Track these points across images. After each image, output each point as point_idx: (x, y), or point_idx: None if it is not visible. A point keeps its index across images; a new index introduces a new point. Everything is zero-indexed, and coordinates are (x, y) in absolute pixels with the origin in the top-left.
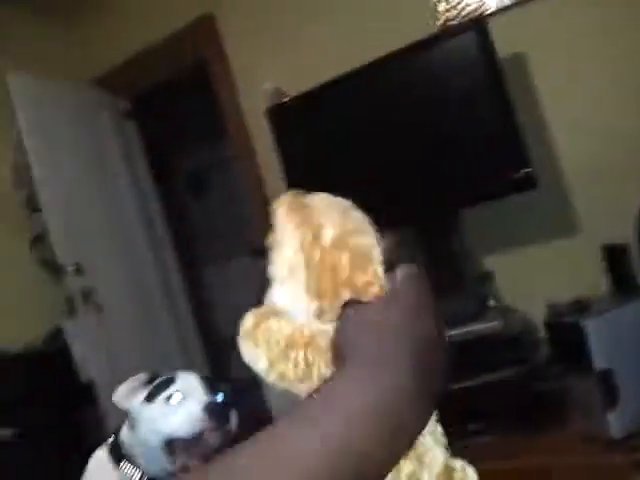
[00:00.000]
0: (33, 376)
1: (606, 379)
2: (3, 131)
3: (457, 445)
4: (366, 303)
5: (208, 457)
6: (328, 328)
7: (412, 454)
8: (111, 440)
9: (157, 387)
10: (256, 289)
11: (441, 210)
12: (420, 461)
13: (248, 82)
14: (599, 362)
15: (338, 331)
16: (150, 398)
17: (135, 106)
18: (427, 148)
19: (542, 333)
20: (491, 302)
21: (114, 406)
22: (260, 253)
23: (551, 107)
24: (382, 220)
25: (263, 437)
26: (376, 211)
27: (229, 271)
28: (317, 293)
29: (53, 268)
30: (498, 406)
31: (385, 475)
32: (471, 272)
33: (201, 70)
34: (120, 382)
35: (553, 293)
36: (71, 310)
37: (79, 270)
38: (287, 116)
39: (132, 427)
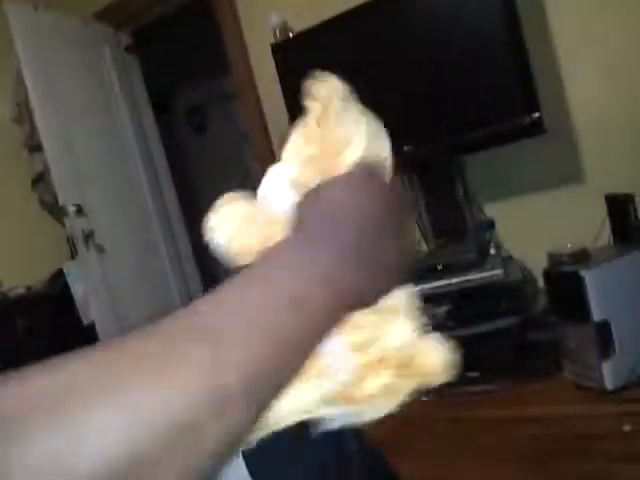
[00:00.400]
0: (35, 318)
1: (602, 330)
2: (3, 64)
3: (453, 392)
4: (328, 181)
5: None
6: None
7: (366, 321)
8: None
9: None
10: None
11: (445, 155)
12: (375, 329)
13: (252, 15)
14: (597, 313)
15: (296, 206)
16: None
17: (136, 40)
18: (433, 90)
19: (542, 283)
20: (492, 250)
21: None
22: None
23: (565, 53)
24: None
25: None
26: None
27: None
28: (303, 161)
29: (54, 209)
30: (494, 355)
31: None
32: (473, 220)
33: (204, 2)
34: (121, 324)
35: (555, 243)
36: (72, 252)
37: (80, 211)
38: (292, 52)
39: None
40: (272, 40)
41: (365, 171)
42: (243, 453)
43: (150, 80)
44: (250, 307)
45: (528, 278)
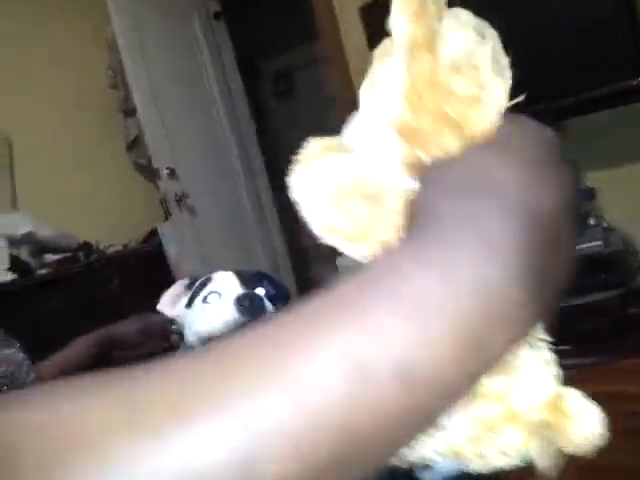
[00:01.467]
0: (130, 275)
1: None
2: (98, 30)
3: None
4: (464, 153)
5: None
6: (406, 187)
7: (504, 368)
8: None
9: (195, 290)
10: None
11: (546, 119)
12: (510, 377)
13: None
14: None
15: (419, 190)
16: (190, 303)
17: (225, 7)
18: (533, 49)
19: None
20: (592, 221)
21: None
22: None
23: None
24: None
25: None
26: None
27: None
28: (409, 126)
29: (148, 172)
30: (591, 329)
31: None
32: None
33: None
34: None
35: None
36: (166, 213)
37: (172, 174)
38: (381, 15)
39: (182, 331)
40: (360, 4)
41: (531, 132)
42: None
43: (238, 46)
44: None
45: (630, 250)
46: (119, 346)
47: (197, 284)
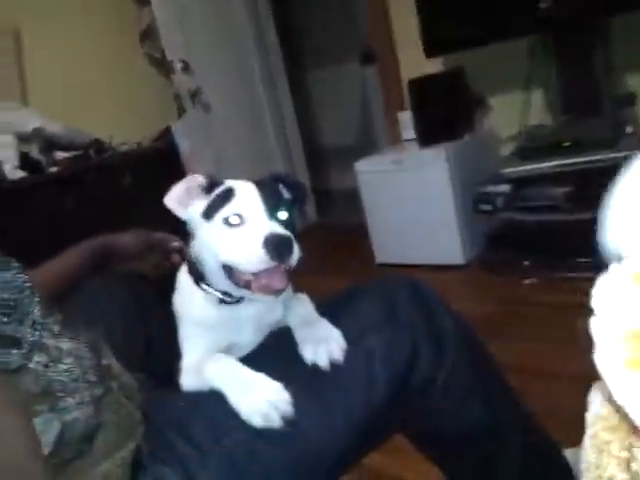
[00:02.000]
0: (142, 173)
1: None
2: None
3: (562, 277)
4: None
5: (265, 287)
6: None
7: None
8: (187, 258)
9: (215, 202)
10: (362, 99)
11: (587, 15)
12: None
13: None
14: None
15: None
16: (207, 215)
17: None
18: None
19: None
20: (629, 129)
21: None
22: (370, 59)
23: None
24: (515, 26)
25: None
26: (510, 13)
27: (336, 76)
28: None
29: (162, 65)
30: None
31: None
32: (611, 93)
33: None
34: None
35: None
36: (179, 110)
37: (187, 68)
38: None
39: (193, 237)
40: None
41: None
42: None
43: None
44: None
45: None
46: (117, 257)
47: (217, 193)
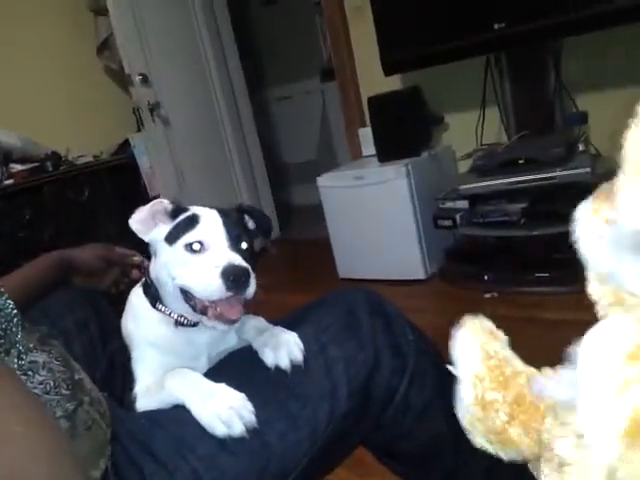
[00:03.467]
0: (101, 186)
1: None
2: None
3: (520, 291)
4: None
5: (220, 316)
6: None
7: None
8: (143, 280)
9: (178, 227)
10: (323, 116)
11: (540, 36)
12: None
13: None
14: None
15: None
16: (170, 240)
17: None
18: None
19: None
20: (581, 147)
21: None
22: (331, 76)
23: None
24: (470, 46)
25: None
26: (465, 33)
27: (297, 93)
28: None
29: (120, 78)
30: (569, 258)
31: None
32: (563, 111)
33: None
34: (184, 196)
35: None
36: (138, 123)
37: (146, 81)
38: None
39: (154, 259)
40: None
41: None
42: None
43: None
44: None
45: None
46: (75, 273)
47: (181, 219)
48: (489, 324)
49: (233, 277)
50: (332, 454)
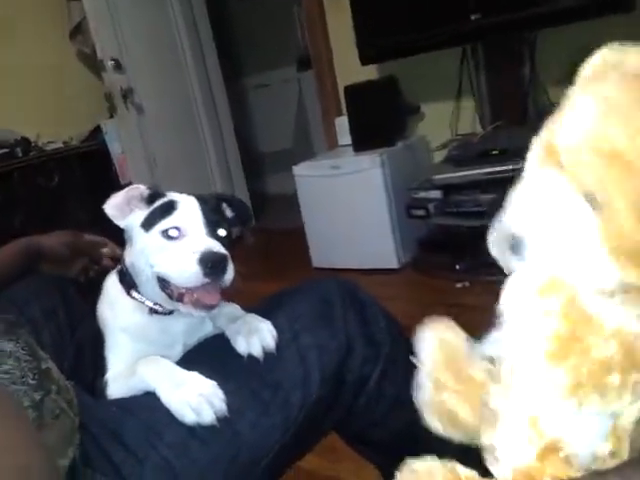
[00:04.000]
0: (71, 173)
1: None
2: None
3: (489, 280)
4: None
5: (197, 302)
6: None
7: None
8: (119, 267)
9: (155, 213)
10: (299, 104)
11: (516, 27)
12: None
13: None
14: None
15: None
16: (146, 225)
17: None
18: None
19: None
20: None
21: None
22: (308, 64)
23: None
24: (447, 37)
25: None
26: (442, 24)
27: (273, 81)
28: (622, 250)
29: (93, 62)
30: None
31: None
32: (537, 104)
33: None
34: (157, 184)
35: None
36: (110, 110)
37: (119, 67)
38: None
39: (129, 245)
40: None
41: None
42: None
43: None
44: None
45: None
46: (44, 260)
47: (157, 205)
48: (448, 320)
49: (211, 264)
50: (304, 441)
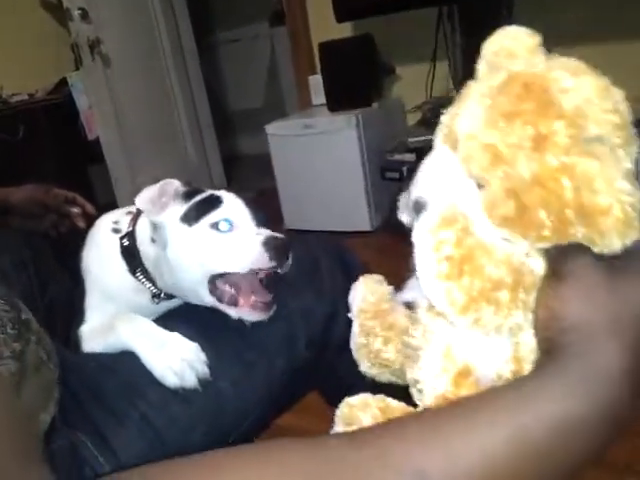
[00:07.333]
0: (36, 126)
1: None
2: None
3: None
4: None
5: (255, 304)
6: (534, 265)
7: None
8: (125, 242)
9: (198, 207)
10: (271, 62)
11: None
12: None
13: None
14: None
15: (560, 294)
16: (189, 219)
17: None
18: None
19: None
20: None
21: (120, 167)
22: (281, 19)
23: None
24: None
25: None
26: None
27: (245, 37)
28: (496, 216)
29: (59, 12)
30: None
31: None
32: None
33: None
34: (125, 140)
35: None
36: (77, 61)
37: (85, 17)
38: None
39: (157, 242)
40: None
41: None
42: None
43: None
44: None
45: None
46: (14, 212)
47: (199, 199)
48: (377, 275)
49: (277, 247)
50: (286, 401)
